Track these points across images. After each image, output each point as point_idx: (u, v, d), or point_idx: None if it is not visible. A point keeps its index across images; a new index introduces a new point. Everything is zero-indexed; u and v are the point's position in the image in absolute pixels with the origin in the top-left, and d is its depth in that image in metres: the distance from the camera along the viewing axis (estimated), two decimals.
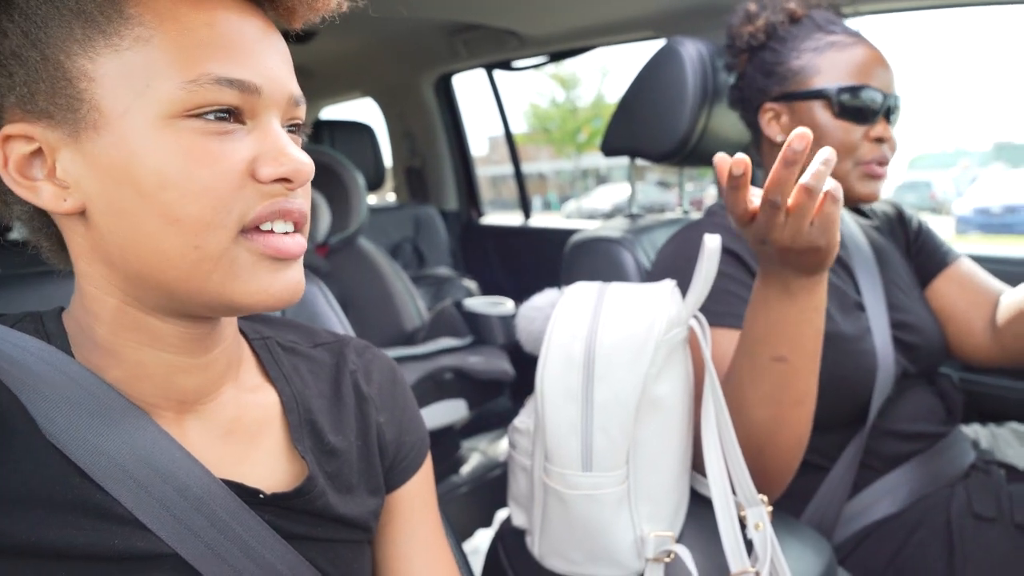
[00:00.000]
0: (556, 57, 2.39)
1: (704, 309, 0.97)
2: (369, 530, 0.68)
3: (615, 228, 1.37)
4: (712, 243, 0.79)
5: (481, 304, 2.06)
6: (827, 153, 0.73)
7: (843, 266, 1.17)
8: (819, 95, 1.09)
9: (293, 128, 0.56)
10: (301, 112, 0.56)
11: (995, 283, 1.22)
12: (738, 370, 0.92)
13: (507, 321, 1.99)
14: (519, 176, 3.11)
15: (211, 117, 0.49)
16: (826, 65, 1.09)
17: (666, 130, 1.33)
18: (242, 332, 0.68)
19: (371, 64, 2.81)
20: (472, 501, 1.98)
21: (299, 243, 0.54)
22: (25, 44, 0.48)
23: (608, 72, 24.99)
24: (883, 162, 1.10)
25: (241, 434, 0.61)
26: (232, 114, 0.50)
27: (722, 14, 1.31)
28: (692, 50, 1.29)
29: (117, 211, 0.50)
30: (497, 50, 2.36)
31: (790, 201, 0.74)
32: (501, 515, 1.82)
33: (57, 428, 0.51)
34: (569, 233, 1.50)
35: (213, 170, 0.49)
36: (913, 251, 1.30)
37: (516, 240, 2.89)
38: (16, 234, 0.57)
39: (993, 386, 1.50)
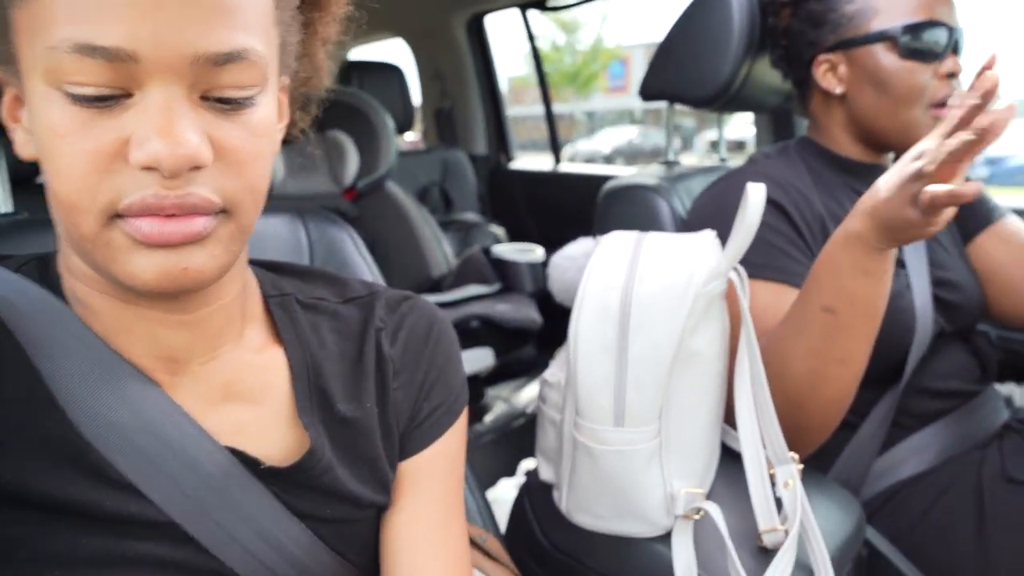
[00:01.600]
0: None
1: (743, 260, 0.94)
2: (386, 505, 0.64)
3: (651, 175, 1.33)
4: (757, 193, 0.76)
5: (509, 251, 2.05)
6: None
7: None
8: (881, 37, 1.03)
9: (225, 99, 0.45)
10: (237, 75, 0.45)
11: None
12: (787, 320, 0.91)
13: (536, 269, 1.98)
14: (550, 118, 3.03)
15: (77, 91, 0.42)
16: (884, 5, 1.03)
17: (708, 75, 1.27)
18: (261, 287, 0.62)
19: (402, 4, 2.75)
20: (496, 450, 1.99)
21: (179, 230, 0.45)
22: None
23: (608, 17, 25.84)
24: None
25: (241, 399, 0.57)
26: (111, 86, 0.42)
27: None
28: None
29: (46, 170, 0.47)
30: None
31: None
32: (524, 465, 1.83)
33: (57, 385, 0.48)
34: (601, 179, 1.46)
35: (76, 149, 0.43)
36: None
37: (546, 186, 2.85)
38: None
39: None
